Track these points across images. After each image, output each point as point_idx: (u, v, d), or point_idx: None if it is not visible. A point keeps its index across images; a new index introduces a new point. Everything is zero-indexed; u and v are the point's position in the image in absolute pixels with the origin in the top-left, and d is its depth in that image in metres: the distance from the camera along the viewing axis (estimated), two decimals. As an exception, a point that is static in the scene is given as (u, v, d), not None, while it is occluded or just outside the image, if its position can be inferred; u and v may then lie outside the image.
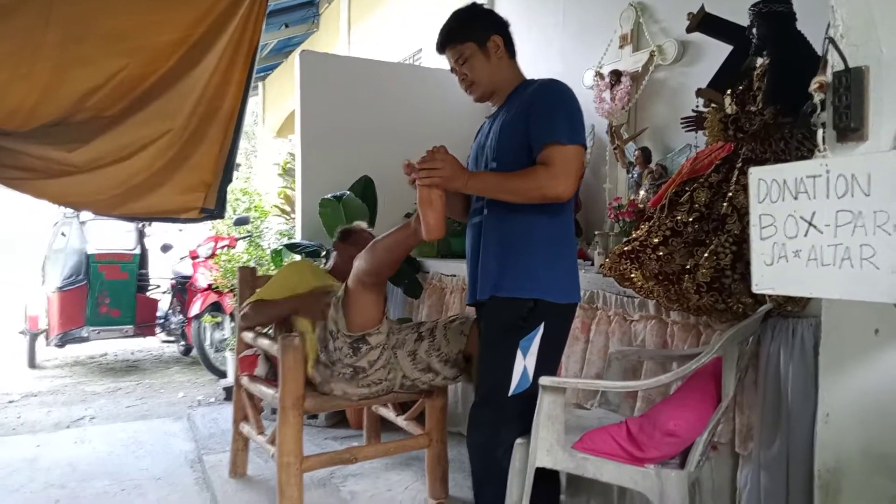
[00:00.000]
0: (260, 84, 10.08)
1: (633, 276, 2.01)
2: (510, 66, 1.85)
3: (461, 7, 1.89)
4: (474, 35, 1.80)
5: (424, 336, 2.25)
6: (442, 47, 1.85)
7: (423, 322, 2.39)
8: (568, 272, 1.79)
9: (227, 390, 4.14)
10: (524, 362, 1.70)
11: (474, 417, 1.81)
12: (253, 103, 10.11)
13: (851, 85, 1.21)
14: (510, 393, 1.71)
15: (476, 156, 1.91)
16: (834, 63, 1.24)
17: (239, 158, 4.16)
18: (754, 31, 2.06)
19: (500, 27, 1.84)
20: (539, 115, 1.68)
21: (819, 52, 1.32)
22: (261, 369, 2.62)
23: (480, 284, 1.80)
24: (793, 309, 1.71)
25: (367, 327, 2.12)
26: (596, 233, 3.08)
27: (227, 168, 3.43)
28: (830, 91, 1.25)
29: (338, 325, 2.13)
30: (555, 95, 1.72)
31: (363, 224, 2.87)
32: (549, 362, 1.75)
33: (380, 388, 2.23)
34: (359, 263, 2.06)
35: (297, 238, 4.09)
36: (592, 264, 2.92)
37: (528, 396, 1.67)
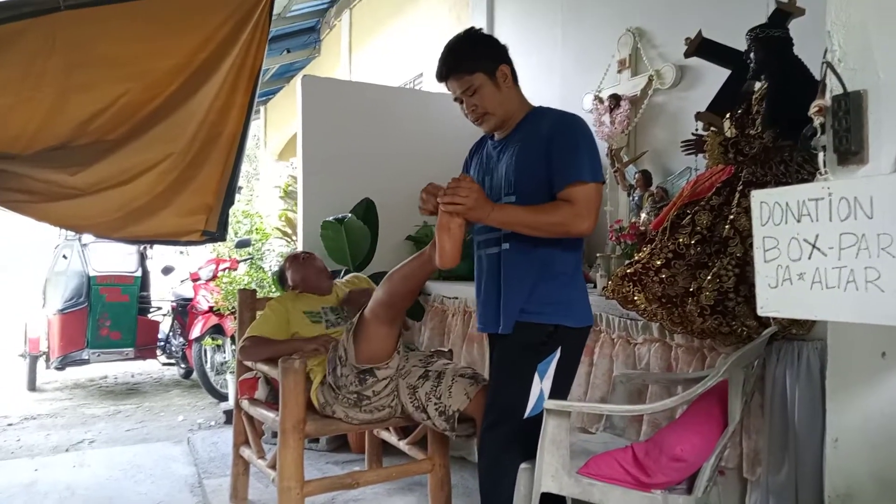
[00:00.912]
0: (262, 108, 10.17)
1: (636, 298, 2.01)
2: (518, 94, 1.83)
3: (462, 35, 1.83)
4: (483, 65, 1.76)
5: (430, 377, 2.14)
6: (446, 77, 1.80)
7: (435, 359, 2.32)
8: (583, 297, 1.83)
9: (228, 413, 4.10)
10: (541, 385, 1.71)
11: (487, 440, 1.79)
12: (255, 126, 10.19)
13: (850, 109, 1.22)
14: (526, 415, 1.70)
15: (482, 182, 1.86)
16: (832, 87, 1.26)
17: (241, 181, 4.19)
18: (752, 55, 2.08)
19: (505, 55, 1.82)
20: (561, 152, 1.69)
21: (817, 76, 1.34)
22: (261, 392, 2.60)
23: (504, 318, 1.78)
24: (798, 332, 1.71)
25: (375, 360, 2.08)
26: (598, 255, 3.08)
27: (229, 191, 3.45)
28: (830, 115, 1.26)
29: (347, 353, 2.11)
30: (576, 133, 1.72)
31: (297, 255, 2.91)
32: (563, 386, 1.77)
33: (382, 413, 2.21)
34: (376, 294, 2.04)
35: (299, 260, 4.09)
36: (595, 286, 2.91)
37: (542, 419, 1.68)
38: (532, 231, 1.69)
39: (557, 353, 1.72)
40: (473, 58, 1.77)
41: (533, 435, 1.65)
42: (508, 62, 1.81)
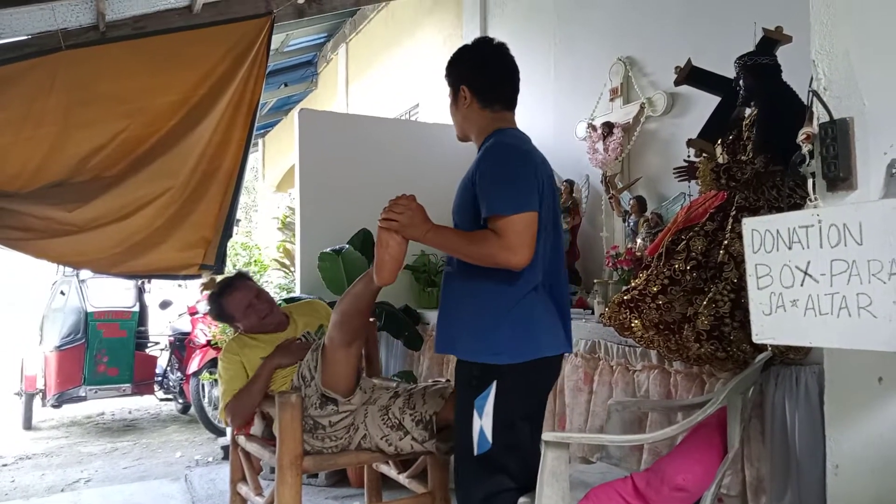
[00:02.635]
0: (260, 140, 10.26)
1: (633, 325, 2.01)
2: (480, 115, 1.77)
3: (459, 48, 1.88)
4: (449, 81, 1.83)
5: (401, 394, 2.20)
6: None
7: (404, 385, 2.35)
8: (523, 332, 1.66)
9: (226, 449, 4.05)
10: (480, 422, 1.64)
11: (454, 476, 1.79)
12: (253, 159, 10.27)
13: (837, 136, 1.23)
14: (475, 454, 1.66)
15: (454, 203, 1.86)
16: (819, 115, 1.28)
17: (239, 214, 4.20)
18: (741, 83, 2.11)
19: (469, 77, 1.77)
20: (483, 183, 1.63)
21: (805, 101, 1.36)
22: (257, 428, 2.57)
23: (437, 340, 1.80)
24: (795, 357, 1.70)
25: (338, 391, 2.08)
26: (595, 281, 3.09)
27: (228, 224, 3.46)
28: (818, 142, 1.27)
29: (312, 373, 2.10)
30: (496, 162, 1.65)
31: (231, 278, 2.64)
32: (510, 424, 1.66)
33: (335, 444, 2.17)
34: (332, 321, 2.06)
35: (297, 292, 4.09)
36: (592, 313, 2.91)
37: (491, 457, 1.64)
38: (465, 258, 1.65)
39: (492, 389, 1.63)
40: (446, 76, 1.84)
41: (492, 471, 1.64)
42: (471, 83, 1.76)
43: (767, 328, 1.16)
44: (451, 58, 1.84)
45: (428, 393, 2.16)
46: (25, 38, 2.98)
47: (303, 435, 2.14)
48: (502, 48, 1.80)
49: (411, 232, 1.68)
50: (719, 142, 2.23)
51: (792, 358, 1.71)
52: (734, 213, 1.95)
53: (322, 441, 2.16)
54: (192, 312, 5.51)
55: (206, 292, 2.60)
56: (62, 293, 5.58)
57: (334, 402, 2.10)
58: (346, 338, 2.05)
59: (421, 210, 1.71)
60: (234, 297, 2.46)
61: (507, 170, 1.63)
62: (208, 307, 2.63)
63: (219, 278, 2.68)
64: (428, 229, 1.67)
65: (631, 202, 3.17)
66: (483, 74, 1.77)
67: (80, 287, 5.50)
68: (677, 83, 2.41)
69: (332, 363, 2.06)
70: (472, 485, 1.69)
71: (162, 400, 5.88)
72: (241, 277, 2.60)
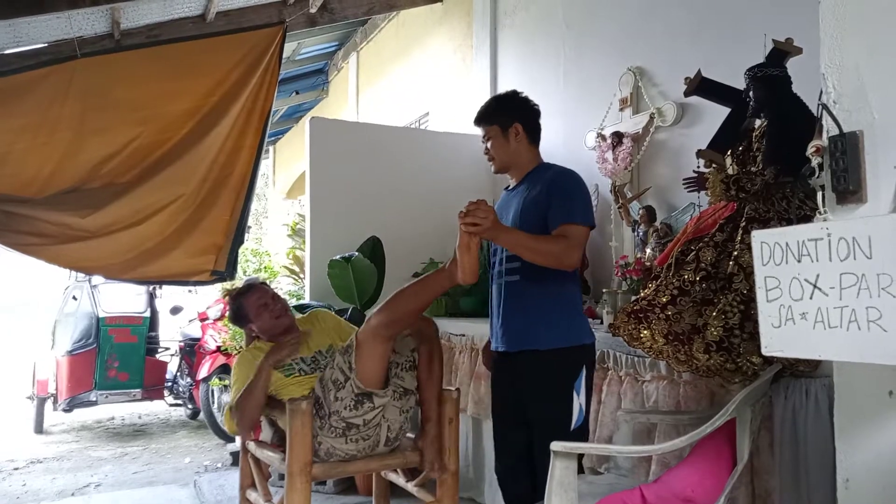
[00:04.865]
0: (271, 147, 10.32)
1: (642, 335, 2.00)
2: (529, 149, 2.14)
3: (500, 94, 2.27)
4: (500, 119, 2.11)
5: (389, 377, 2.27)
6: (477, 122, 2.17)
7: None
8: (585, 318, 2.15)
9: (235, 455, 4.07)
10: (579, 400, 1.98)
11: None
12: (264, 166, 10.28)
13: (847, 149, 1.23)
14: (571, 429, 1.94)
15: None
16: (829, 128, 1.28)
17: (250, 220, 4.23)
18: (751, 94, 2.11)
19: (524, 116, 2.12)
20: (560, 197, 1.99)
21: (815, 113, 1.36)
22: (266, 434, 2.59)
23: (511, 336, 2.07)
24: (805, 369, 1.70)
25: (373, 385, 2.11)
26: (604, 290, 3.08)
27: (239, 231, 3.49)
28: (827, 154, 1.27)
29: (347, 373, 2.11)
30: (574, 183, 2.05)
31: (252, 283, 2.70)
32: (590, 394, 2.07)
33: (367, 444, 2.21)
34: (378, 316, 2.07)
35: (307, 299, 4.10)
36: (601, 323, 2.91)
37: (584, 427, 2.00)
38: (530, 254, 1.92)
39: (584, 368, 2.04)
40: (496, 111, 2.15)
41: (584, 433, 2.02)
42: (525, 122, 2.12)
43: (776, 341, 1.16)
44: (500, 99, 2.20)
45: (398, 344, 2.22)
46: (42, 45, 3.04)
47: (332, 441, 2.17)
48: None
49: (490, 233, 1.85)
50: (729, 153, 2.22)
51: (802, 370, 1.70)
52: (744, 224, 1.95)
53: (356, 443, 2.18)
54: (203, 318, 5.55)
55: (227, 297, 2.68)
56: (74, 298, 5.63)
57: (370, 398, 2.12)
58: (393, 333, 2.11)
59: (494, 213, 1.87)
60: (252, 297, 2.54)
61: (581, 191, 2.04)
62: (227, 307, 2.71)
63: (238, 284, 2.76)
64: (501, 230, 1.89)
65: (640, 212, 3.16)
66: (534, 116, 2.16)
67: (92, 292, 5.55)
68: (687, 94, 2.41)
69: (371, 357, 2.10)
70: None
71: (172, 405, 5.92)
72: (259, 283, 2.71)
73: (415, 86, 5.88)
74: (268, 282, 5.64)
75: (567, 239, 1.91)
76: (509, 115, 2.11)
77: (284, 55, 3.87)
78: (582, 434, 1.97)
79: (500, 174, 2.21)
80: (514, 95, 2.18)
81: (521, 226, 2.02)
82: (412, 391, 2.26)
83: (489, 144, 2.13)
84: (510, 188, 2.20)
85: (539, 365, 2.00)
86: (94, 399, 5.36)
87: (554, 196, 1.99)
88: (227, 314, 2.73)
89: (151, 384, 5.60)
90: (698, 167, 2.33)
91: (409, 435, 2.41)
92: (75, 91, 3.03)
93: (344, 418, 2.13)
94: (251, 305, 2.52)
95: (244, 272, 5.88)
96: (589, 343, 2.06)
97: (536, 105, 2.17)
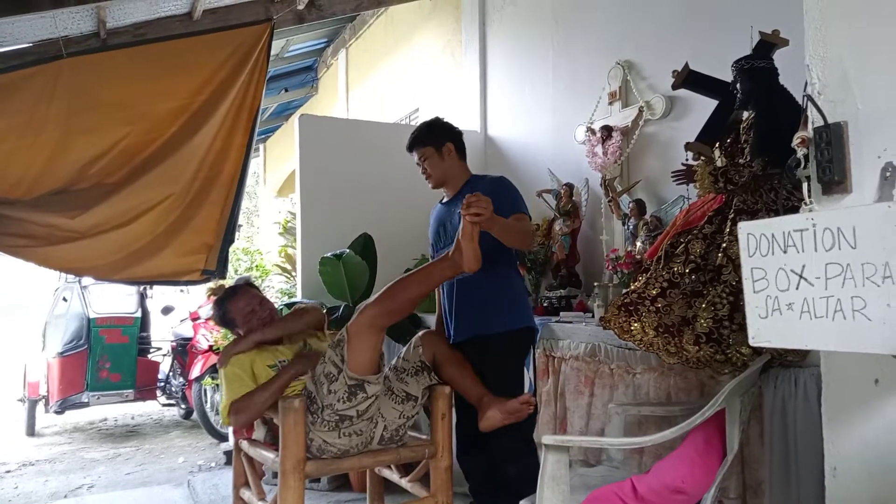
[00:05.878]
0: (261, 145, 10.28)
1: (633, 328, 2.02)
2: (460, 164, 2.47)
3: (427, 119, 2.57)
4: (434, 141, 2.42)
5: (389, 371, 2.32)
6: (413, 146, 2.46)
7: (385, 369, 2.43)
8: (527, 301, 2.47)
9: (228, 454, 4.06)
10: (529, 375, 2.29)
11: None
12: (254, 164, 10.27)
13: (832, 140, 1.24)
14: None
15: (438, 233, 2.48)
16: (814, 119, 1.28)
17: (241, 219, 4.21)
18: (738, 86, 2.12)
19: (454, 137, 2.46)
20: (505, 197, 2.29)
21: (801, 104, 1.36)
22: (259, 432, 2.58)
23: (462, 326, 2.32)
24: (793, 359, 1.71)
25: (366, 372, 2.11)
26: (595, 284, 3.09)
27: (229, 229, 3.48)
28: (812, 146, 1.28)
29: (338, 366, 2.11)
30: (510, 184, 2.40)
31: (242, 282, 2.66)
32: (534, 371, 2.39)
33: (360, 439, 2.19)
34: (375, 307, 2.08)
35: (298, 296, 4.10)
36: (592, 316, 2.92)
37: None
38: (516, 234, 2.20)
39: (531, 346, 2.42)
40: (428, 136, 2.45)
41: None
42: (455, 141, 2.45)
43: (764, 331, 1.17)
44: (430, 125, 2.51)
45: (405, 352, 2.34)
46: (27, 45, 3.00)
47: (325, 435, 2.15)
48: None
49: (489, 223, 2.01)
50: (717, 145, 2.23)
51: (790, 360, 1.72)
52: (732, 216, 1.96)
53: (349, 437, 2.17)
54: (194, 318, 5.52)
55: (213, 297, 2.63)
56: (64, 299, 5.60)
57: (362, 388, 2.11)
58: (388, 322, 2.14)
59: (492, 204, 2.03)
60: (239, 302, 2.50)
61: (517, 190, 2.39)
62: (212, 311, 2.64)
63: (226, 285, 2.70)
64: (495, 219, 2.04)
65: (630, 205, 3.17)
66: (460, 136, 2.49)
67: (83, 293, 5.52)
68: (675, 87, 2.41)
69: (364, 348, 2.10)
70: (524, 426, 2.16)
71: (164, 405, 5.90)
72: (247, 285, 2.63)
73: (404, 82, 5.87)
74: (259, 280, 5.63)
75: (527, 223, 2.27)
76: (441, 137, 2.44)
77: (273, 52, 3.85)
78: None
79: (437, 189, 2.51)
80: (441, 121, 2.53)
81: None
82: (415, 396, 2.26)
83: (426, 164, 2.43)
84: (445, 201, 2.50)
85: (493, 347, 2.26)
86: (86, 400, 5.33)
87: (499, 196, 2.20)
88: (212, 316, 2.68)
89: (144, 384, 5.58)
90: (687, 160, 2.34)
91: (411, 434, 2.41)
92: (61, 91, 3.00)
93: (337, 411, 2.12)
94: (238, 312, 2.49)
95: (235, 271, 5.87)
96: (534, 326, 2.40)
97: (459, 128, 2.50)
